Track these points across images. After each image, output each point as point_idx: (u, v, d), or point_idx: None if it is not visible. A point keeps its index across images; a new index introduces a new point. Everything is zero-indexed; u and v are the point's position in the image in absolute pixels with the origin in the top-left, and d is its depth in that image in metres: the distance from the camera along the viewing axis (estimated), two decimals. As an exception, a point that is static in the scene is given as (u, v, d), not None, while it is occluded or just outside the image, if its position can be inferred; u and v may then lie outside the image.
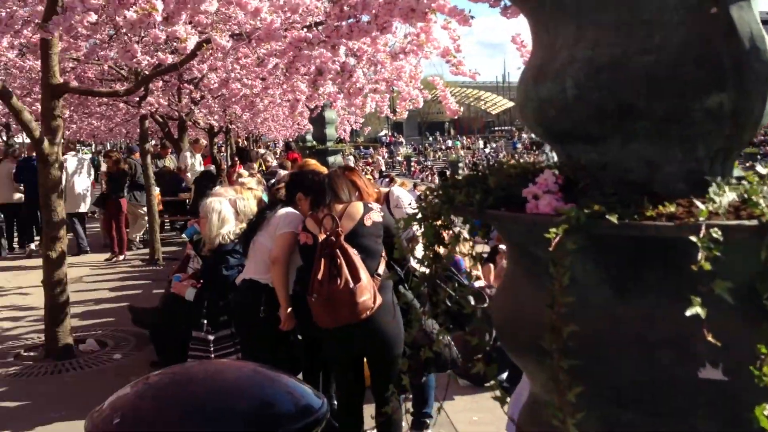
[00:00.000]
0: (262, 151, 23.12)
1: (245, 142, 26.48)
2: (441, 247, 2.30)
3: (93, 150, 32.79)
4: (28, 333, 7.26)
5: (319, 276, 3.87)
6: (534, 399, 1.97)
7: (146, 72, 6.45)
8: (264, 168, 15.08)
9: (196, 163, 14.04)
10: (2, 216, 12.75)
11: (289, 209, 4.48)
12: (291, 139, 28.47)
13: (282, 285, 4.29)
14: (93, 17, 4.30)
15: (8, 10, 6.69)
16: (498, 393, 1.81)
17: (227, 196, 5.85)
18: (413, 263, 4.31)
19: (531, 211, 1.63)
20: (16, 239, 13.14)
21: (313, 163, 5.99)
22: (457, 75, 6.86)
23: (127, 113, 15.32)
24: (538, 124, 1.92)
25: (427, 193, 2.22)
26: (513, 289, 2.05)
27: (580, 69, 1.68)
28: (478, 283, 6.46)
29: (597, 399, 1.62)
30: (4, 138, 17.82)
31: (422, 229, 2.20)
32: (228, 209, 5.28)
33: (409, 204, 4.69)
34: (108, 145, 36.10)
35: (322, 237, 3.95)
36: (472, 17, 5.17)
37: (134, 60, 4.03)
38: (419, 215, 2.09)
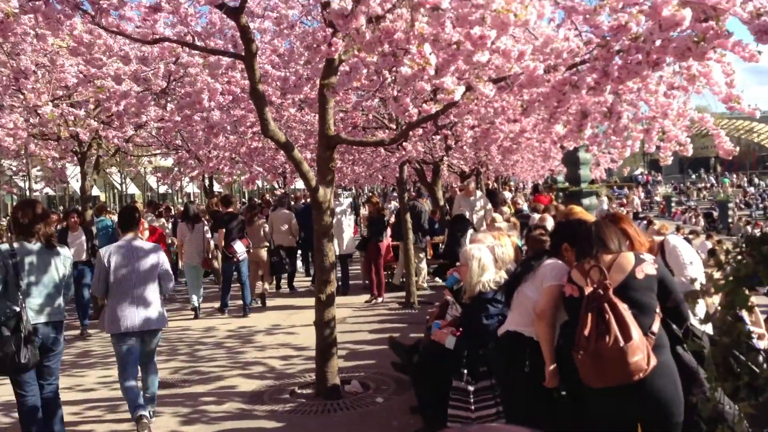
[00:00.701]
0: (507, 194, 23.09)
1: (494, 184, 26.64)
2: (746, 311, 2.01)
3: (353, 194, 35.16)
4: (300, 371, 7.79)
5: (586, 332, 3.66)
6: None
7: (406, 122, 6.74)
8: (513, 211, 14.98)
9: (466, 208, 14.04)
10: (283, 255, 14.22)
11: (555, 260, 4.30)
12: (539, 181, 28.14)
13: (547, 340, 4.10)
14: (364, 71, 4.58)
15: (291, 70, 7.47)
16: None
17: (486, 242, 5.81)
18: (694, 322, 3.90)
19: None
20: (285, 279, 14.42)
21: (579, 210, 5.75)
22: (733, 110, 6.22)
23: (385, 159, 16.23)
24: None
25: (731, 250, 1.95)
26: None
27: None
28: (762, 343, 5.71)
29: None
30: (281, 186, 19.74)
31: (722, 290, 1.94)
32: (488, 256, 5.24)
33: (698, 256, 4.25)
34: (366, 189, 38.54)
35: (588, 290, 3.73)
36: (759, 53, 4.63)
37: (406, 114, 4.20)
38: (730, 277, 1.84)
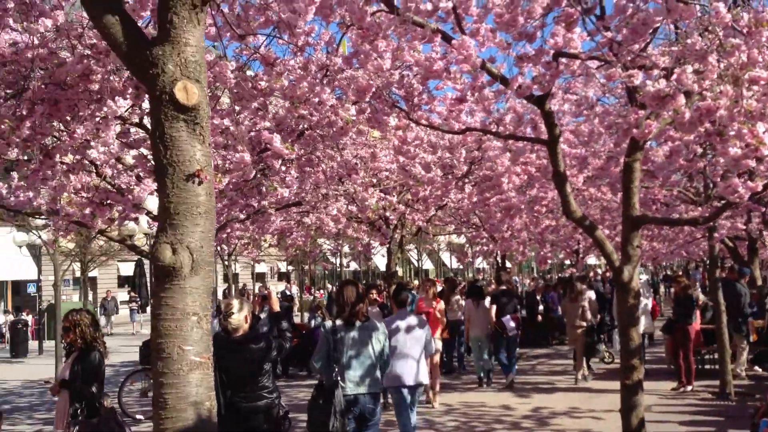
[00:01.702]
0: None
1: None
2: None
3: (650, 271, 33.16)
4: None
5: None
6: None
7: (718, 195, 6.28)
8: None
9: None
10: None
11: None
12: None
13: None
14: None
15: (590, 150, 7.43)
16: None
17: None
18: None
19: None
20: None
21: None
22: None
23: (689, 235, 15.11)
24: None
25: None
26: None
27: None
28: None
29: None
30: (573, 263, 19.34)
31: None
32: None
33: None
34: (663, 265, 36.07)
35: None
36: None
37: (735, 195, 3.92)
38: None
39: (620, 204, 7.26)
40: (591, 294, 13.28)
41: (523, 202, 9.74)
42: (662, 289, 26.65)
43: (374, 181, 9.38)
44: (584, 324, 12.29)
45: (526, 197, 10.09)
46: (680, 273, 16.48)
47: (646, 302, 12.98)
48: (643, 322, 12.21)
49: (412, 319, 7.47)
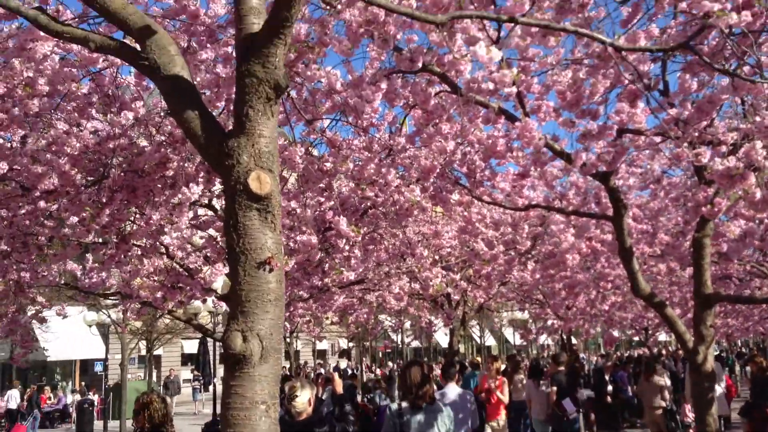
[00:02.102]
0: None
1: None
2: None
3: (726, 347, 31.70)
4: None
5: None
6: None
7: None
8: None
9: None
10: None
11: None
12: None
13: None
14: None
15: (656, 223, 7.26)
16: None
17: None
18: None
19: None
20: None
21: None
22: None
23: (764, 310, 14.49)
24: None
25: None
26: None
27: None
28: None
29: None
30: (643, 340, 18.68)
31: None
32: None
33: None
34: (738, 342, 34.49)
35: None
36: None
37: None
38: None
39: (690, 279, 7.04)
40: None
41: (588, 278, 9.53)
42: (737, 367, 25.32)
43: (436, 258, 9.36)
44: (663, 404, 11.72)
45: (591, 273, 9.88)
46: (755, 351, 15.67)
47: (719, 385, 12.29)
48: (715, 406, 11.55)
49: (459, 393, 7.44)
